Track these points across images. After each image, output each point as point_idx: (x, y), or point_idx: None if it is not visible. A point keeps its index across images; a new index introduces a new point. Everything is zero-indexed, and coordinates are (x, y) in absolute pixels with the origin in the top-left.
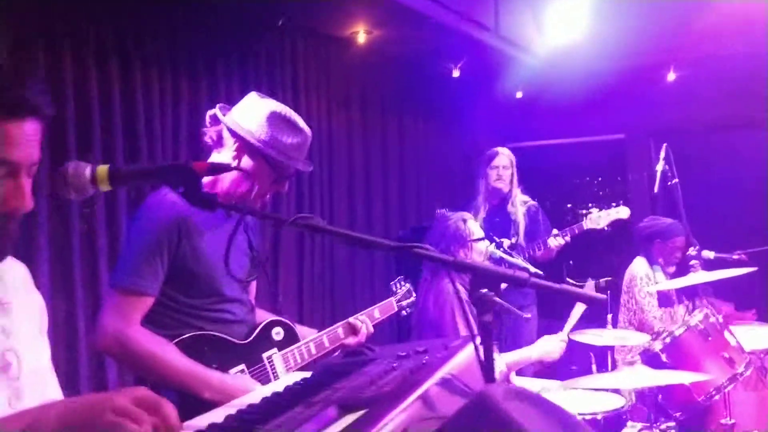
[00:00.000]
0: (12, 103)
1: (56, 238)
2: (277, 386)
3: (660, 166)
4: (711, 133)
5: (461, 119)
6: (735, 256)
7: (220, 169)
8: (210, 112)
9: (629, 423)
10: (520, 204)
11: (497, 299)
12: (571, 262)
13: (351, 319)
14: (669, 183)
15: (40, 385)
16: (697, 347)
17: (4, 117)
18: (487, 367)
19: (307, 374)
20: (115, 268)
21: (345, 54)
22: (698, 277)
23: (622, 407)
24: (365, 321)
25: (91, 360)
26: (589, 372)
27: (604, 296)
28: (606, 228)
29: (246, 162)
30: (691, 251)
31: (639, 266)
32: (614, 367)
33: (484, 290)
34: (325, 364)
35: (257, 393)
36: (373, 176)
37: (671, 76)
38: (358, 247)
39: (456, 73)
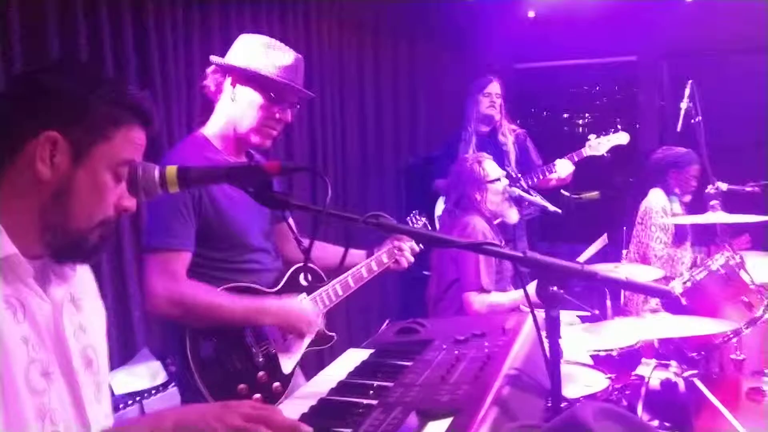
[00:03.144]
0: (146, 112)
1: None
2: (338, 371)
3: (684, 104)
4: (727, 57)
5: (473, 42)
6: (748, 188)
7: (292, 170)
8: (209, 68)
9: (643, 360)
10: (509, 133)
11: (567, 297)
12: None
13: (375, 257)
14: (692, 121)
15: (107, 384)
16: (718, 292)
17: (140, 123)
18: (552, 363)
19: (365, 353)
20: (146, 233)
21: None
22: (716, 217)
23: (636, 344)
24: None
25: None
26: (602, 306)
27: (673, 291)
28: (606, 154)
29: (243, 93)
30: (710, 189)
31: (656, 198)
32: (626, 301)
33: (554, 288)
34: (382, 345)
35: (323, 381)
36: (384, 103)
37: None
38: (433, 246)
39: None
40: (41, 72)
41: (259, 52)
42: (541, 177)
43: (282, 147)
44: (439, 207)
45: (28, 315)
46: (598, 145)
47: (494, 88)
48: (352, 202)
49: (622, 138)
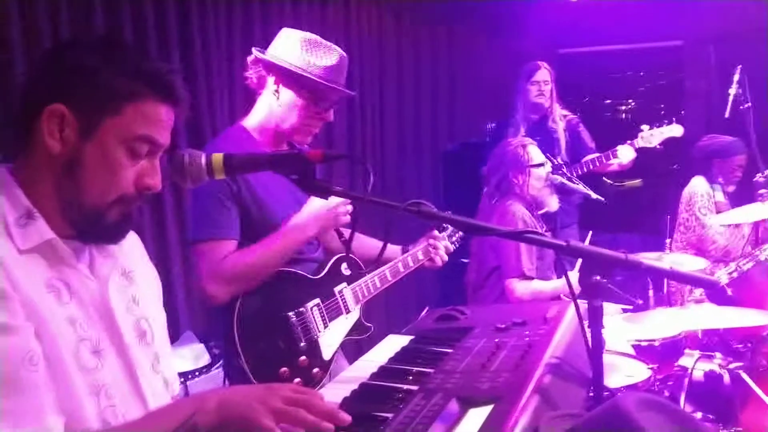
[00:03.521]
0: (170, 88)
1: None
2: (379, 356)
3: (733, 90)
4: None
5: (513, 27)
6: None
7: (334, 157)
8: (249, 57)
9: (686, 350)
10: (560, 119)
11: (611, 287)
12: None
13: (410, 254)
14: (741, 107)
15: (166, 350)
16: (765, 282)
17: (161, 99)
18: (594, 352)
19: (405, 339)
20: (191, 226)
21: None
22: (765, 209)
23: (679, 335)
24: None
25: None
26: (645, 296)
27: (719, 281)
28: (659, 146)
29: (286, 94)
30: (759, 177)
31: (699, 185)
32: (669, 291)
33: (597, 278)
34: (422, 332)
35: (364, 366)
36: (422, 89)
37: None
38: (474, 234)
39: None
40: (57, 48)
41: (303, 51)
42: (598, 164)
43: (322, 134)
44: None
45: (74, 295)
46: (650, 137)
47: (542, 75)
48: (390, 189)
49: (675, 130)
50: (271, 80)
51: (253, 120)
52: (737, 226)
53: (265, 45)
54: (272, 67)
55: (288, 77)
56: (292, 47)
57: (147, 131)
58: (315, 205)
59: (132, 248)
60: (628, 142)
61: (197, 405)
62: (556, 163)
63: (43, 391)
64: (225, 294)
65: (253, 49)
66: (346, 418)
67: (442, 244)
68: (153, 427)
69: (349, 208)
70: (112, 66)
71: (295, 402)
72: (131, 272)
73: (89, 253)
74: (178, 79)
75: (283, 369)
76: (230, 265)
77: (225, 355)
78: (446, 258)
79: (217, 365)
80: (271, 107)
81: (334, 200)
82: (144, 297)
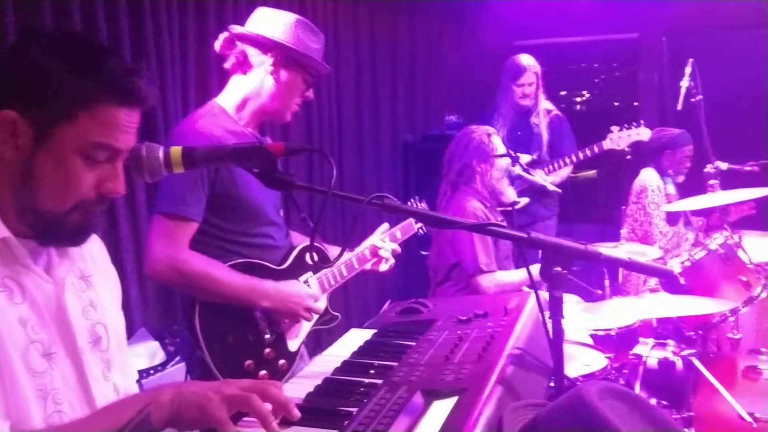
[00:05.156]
0: (129, 91)
1: None
2: (342, 350)
3: (685, 82)
4: (727, 33)
5: (473, 18)
6: (747, 168)
7: (296, 150)
8: (223, 36)
9: (641, 339)
10: (543, 115)
11: (571, 277)
12: None
13: (377, 241)
14: (693, 100)
15: (122, 355)
16: (716, 271)
17: (118, 104)
18: (555, 342)
19: (367, 333)
20: (159, 196)
21: None
22: (716, 198)
23: (634, 324)
24: (390, 244)
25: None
26: (601, 286)
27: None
28: (626, 149)
29: (285, 74)
30: (709, 168)
31: (650, 177)
32: (624, 281)
33: (558, 269)
34: (385, 325)
35: (327, 361)
36: (381, 79)
37: None
38: (438, 227)
39: None
40: (5, 49)
41: (300, 32)
42: (567, 162)
43: (277, 127)
44: None
45: (27, 296)
46: (618, 139)
47: (527, 78)
48: (349, 182)
49: (643, 134)
50: (266, 60)
51: (232, 99)
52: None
53: (216, 35)
54: (270, 47)
55: (289, 58)
56: (287, 28)
57: (104, 138)
58: (292, 287)
59: (92, 252)
60: (588, 147)
61: (150, 398)
62: (514, 156)
63: None
64: (164, 279)
65: (241, 28)
66: (297, 413)
67: (388, 247)
68: (106, 422)
69: (316, 316)
70: (65, 68)
71: (250, 389)
72: (90, 276)
73: (47, 254)
74: (140, 80)
75: (248, 361)
76: (189, 261)
77: (188, 347)
78: (392, 261)
79: (173, 362)
80: (263, 86)
81: (310, 294)
82: (102, 302)
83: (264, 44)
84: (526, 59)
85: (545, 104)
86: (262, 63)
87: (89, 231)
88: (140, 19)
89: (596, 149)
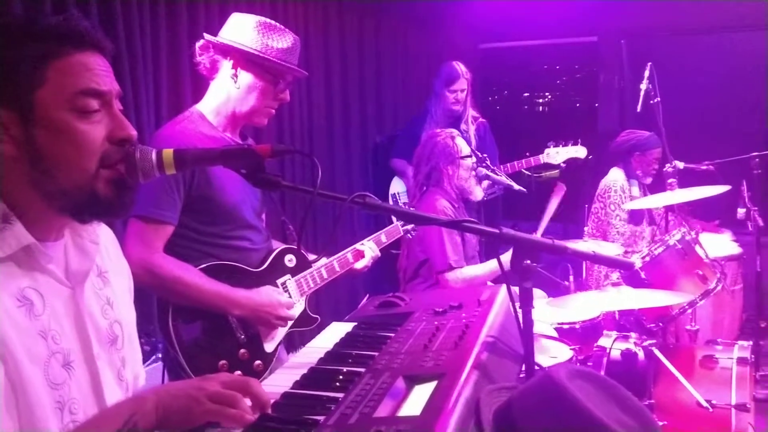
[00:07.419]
0: (75, 34)
1: None
2: (324, 342)
3: (644, 85)
4: (686, 37)
5: (438, 21)
6: (703, 167)
7: (283, 152)
8: (198, 43)
9: (605, 332)
10: (471, 122)
11: (539, 269)
12: None
13: (358, 245)
14: (651, 102)
15: (134, 352)
16: (675, 266)
17: (73, 50)
18: (525, 331)
19: (348, 326)
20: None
21: None
22: (676, 196)
23: (597, 317)
24: (372, 246)
25: None
26: (565, 279)
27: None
28: (562, 164)
29: (245, 77)
30: (668, 168)
31: (616, 178)
32: (588, 276)
33: (527, 262)
34: (364, 318)
35: (310, 352)
36: (350, 81)
37: None
38: (415, 223)
39: None
40: None
41: (259, 34)
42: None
43: (248, 129)
44: (395, 186)
45: (47, 305)
46: (555, 155)
47: (460, 84)
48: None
49: (579, 152)
50: (228, 64)
51: (209, 104)
52: (638, 224)
53: (193, 39)
54: (229, 51)
55: (246, 60)
56: (247, 31)
57: (81, 84)
58: (264, 296)
59: (107, 246)
60: (525, 160)
61: (134, 407)
62: (480, 156)
63: (5, 417)
64: (138, 282)
65: (205, 35)
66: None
67: (369, 251)
68: None
69: (290, 323)
70: (11, 41)
71: (231, 385)
72: (106, 272)
73: (67, 255)
74: (81, 22)
75: (222, 362)
76: (162, 265)
77: (163, 348)
78: (368, 263)
79: (149, 362)
80: (229, 91)
81: (282, 302)
82: (117, 298)
83: (222, 49)
84: (460, 66)
85: (472, 112)
86: (225, 67)
87: (127, 198)
88: (112, 20)
89: (533, 162)
